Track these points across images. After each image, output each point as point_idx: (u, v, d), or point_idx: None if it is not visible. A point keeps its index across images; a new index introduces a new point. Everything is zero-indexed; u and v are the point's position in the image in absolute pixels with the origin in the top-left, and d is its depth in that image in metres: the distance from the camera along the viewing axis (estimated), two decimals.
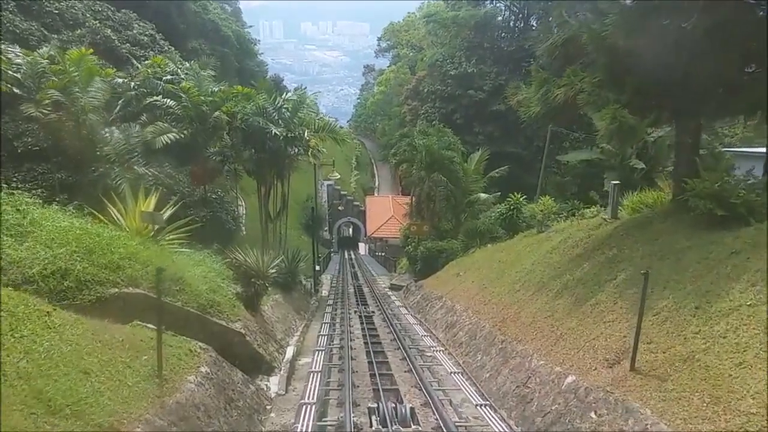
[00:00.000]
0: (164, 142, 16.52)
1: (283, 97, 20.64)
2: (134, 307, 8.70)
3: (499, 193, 27.82)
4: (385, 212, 56.26)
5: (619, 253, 10.11)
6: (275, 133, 18.32)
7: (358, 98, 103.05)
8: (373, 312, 17.74)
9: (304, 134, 19.45)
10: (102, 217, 12.83)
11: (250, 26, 57.56)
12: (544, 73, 10.64)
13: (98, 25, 24.52)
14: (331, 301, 21.15)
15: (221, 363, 8.83)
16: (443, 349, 13.15)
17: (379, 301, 20.79)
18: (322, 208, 57.07)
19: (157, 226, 13.58)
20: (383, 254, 48.51)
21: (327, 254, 45.85)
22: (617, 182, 13.80)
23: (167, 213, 13.95)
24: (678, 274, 8.08)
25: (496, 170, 28.36)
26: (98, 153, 17.09)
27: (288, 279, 18.93)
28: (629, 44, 8.87)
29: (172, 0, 36.85)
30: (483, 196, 26.29)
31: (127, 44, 25.27)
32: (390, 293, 24.22)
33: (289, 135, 19.25)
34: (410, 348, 12.61)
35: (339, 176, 27.02)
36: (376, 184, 74.39)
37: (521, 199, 26.95)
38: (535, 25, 41.15)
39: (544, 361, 8.76)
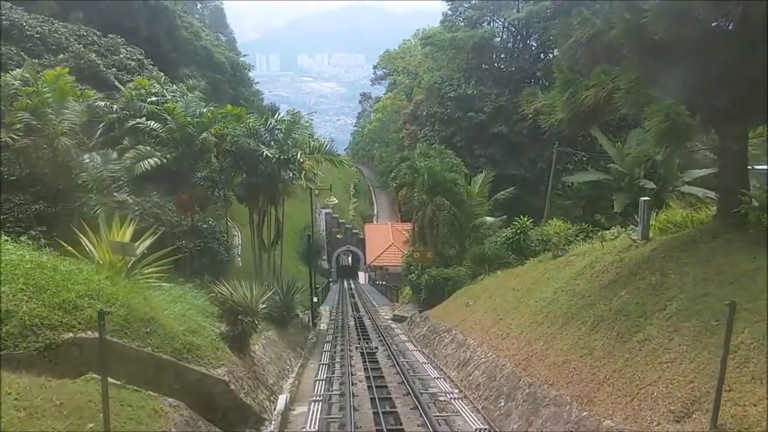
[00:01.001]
0: (146, 167, 15.21)
1: (275, 117, 19.48)
2: (93, 354, 7.22)
3: (506, 217, 26.51)
4: (385, 240, 54.90)
5: (664, 279, 8.67)
6: (267, 155, 17.06)
7: (355, 125, 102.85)
8: (376, 348, 16.14)
9: (297, 156, 18.16)
10: (73, 250, 11.48)
11: (245, 55, 57.12)
12: (569, 74, 9.36)
13: (82, 49, 23.52)
14: (330, 336, 19.56)
15: (196, 422, 7.30)
16: (459, 393, 11.56)
17: (382, 334, 19.20)
18: (320, 237, 55.71)
19: (132, 259, 12.21)
20: (383, 283, 46.93)
21: (326, 284, 44.25)
22: (647, 199, 12.45)
23: (145, 243, 12.58)
24: (749, 303, 6.65)
25: (502, 192, 27.09)
26: (76, 181, 15.77)
27: (282, 313, 17.40)
28: (671, 37, 7.66)
29: (163, 27, 36.19)
30: (489, 219, 24.96)
31: (114, 69, 24.24)
32: (393, 325, 22.62)
33: (282, 157, 17.98)
34: (421, 393, 11.03)
35: (336, 201, 25.70)
36: (375, 211, 73.28)
37: (528, 223, 25.77)
38: (534, 45, 40.69)
39: (588, 411, 7.24)
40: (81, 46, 23.72)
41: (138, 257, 12.17)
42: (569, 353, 9.04)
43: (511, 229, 26.72)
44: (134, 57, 26.48)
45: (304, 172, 18.68)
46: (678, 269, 8.70)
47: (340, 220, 60.90)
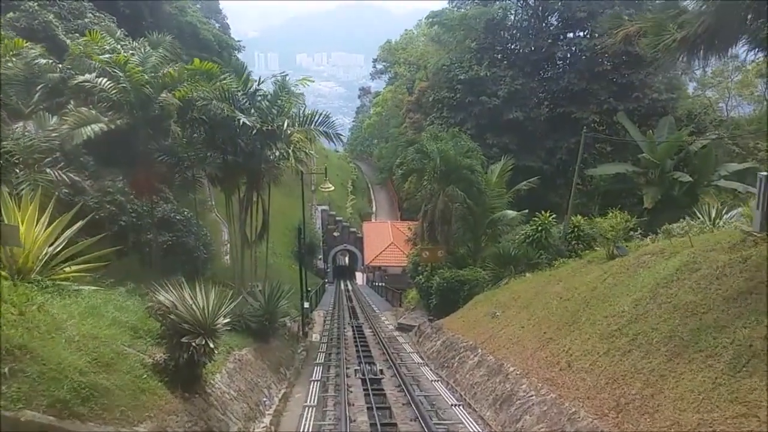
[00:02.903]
0: (88, 135, 11.71)
1: (258, 81, 15.96)
2: None
3: (527, 211, 23.13)
4: (384, 239, 51.50)
5: None
6: (245, 123, 13.55)
7: (353, 120, 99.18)
8: (381, 372, 12.49)
9: (284, 125, 14.57)
10: None
11: (239, 41, 53.60)
12: None
13: (37, 8, 19.99)
14: (323, 351, 16.01)
15: None
16: None
17: (387, 349, 15.68)
18: (316, 235, 52.18)
19: (47, 252, 8.79)
20: (383, 284, 43.50)
21: (321, 285, 40.72)
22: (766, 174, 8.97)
23: (65, 234, 9.11)
24: None
25: (524, 183, 23.69)
26: None
27: (264, 323, 13.94)
28: None
29: (146, 0, 32.69)
30: (510, 213, 21.51)
31: (76, 35, 20.63)
32: (398, 336, 19.11)
33: (264, 128, 14.46)
34: None
35: (332, 188, 22.28)
36: (374, 209, 69.76)
37: (550, 218, 22.66)
38: (554, 24, 37.13)
39: None
40: (36, 3, 20.16)
41: (52, 251, 8.72)
42: (707, 407, 5.58)
43: (531, 225, 23.57)
44: (103, 23, 22.90)
45: (292, 146, 15.06)
46: None
47: (337, 218, 57.33)
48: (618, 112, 30.25)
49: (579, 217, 24.14)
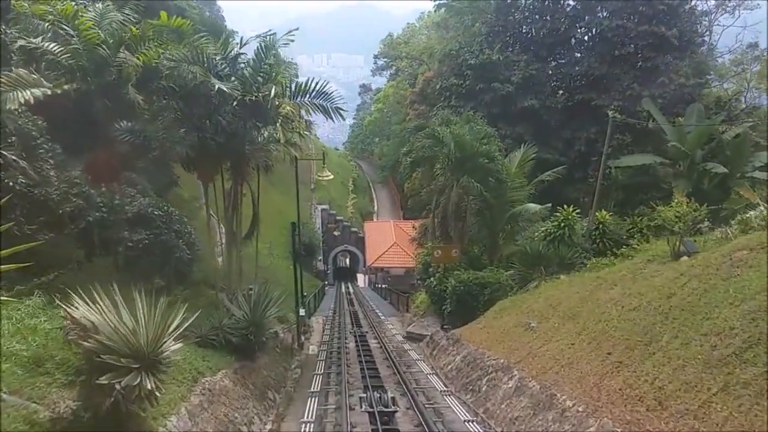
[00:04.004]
0: (23, 100, 9.26)
1: (240, 43, 13.38)
2: None
3: (550, 205, 20.70)
4: (387, 239, 49.24)
5: None
6: (220, 89, 11.01)
7: (354, 118, 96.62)
8: (394, 402, 9.74)
9: (270, 94, 11.96)
10: None
11: (236, 32, 51.06)
12: None
13: None
14: (320, 373, 13.33)
15: None
16: None
17: (397, 367, 13.11)
18: (315, 235, 49.72)
19: None
20: (385, 286, 41.11)
21: (321, 287, 38.23)
22: None
23: None
24: None
25: (548, 173, 21.24)
26: None
27: (248, 337, 11.48)
28: None
29: None
30: (532, 206, 19.04)
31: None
32: (408, 348, 16.58)
33: (247, 98, 11.94)
34: None
35: (331, 176, 19.87)
36: (375, 208, 67.51)
37: (573, 214, 20.35)
38: (571, 4, 34.45)
39: None
40: None
41: None
42: None
43: (553, 221, 21.16)
44: None
45: (280, 120, 12.43)
46: None
47: (338, 217, 54.93)
48: (642, 99, 27.81)
49: (604, 212, 21.85)
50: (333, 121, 12.95)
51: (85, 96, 10.53)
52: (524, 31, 35.70)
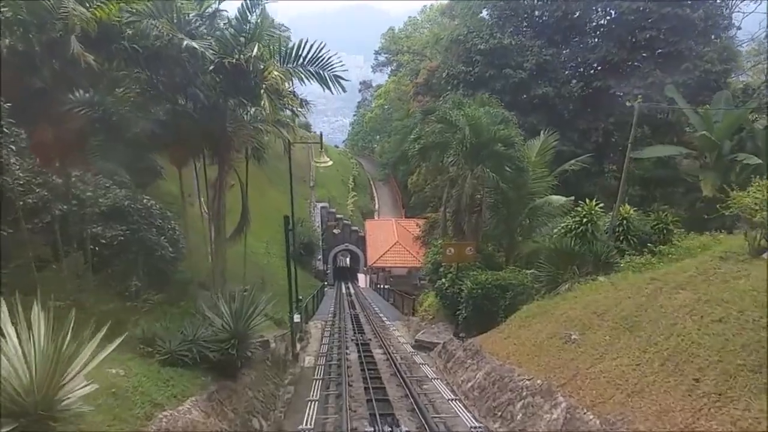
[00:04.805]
0: None
1: None
2: None
3: (573, 198, 18.75)
4: (389, 238, 47.39)
5: None
6: (190, 48, 8.98)
7: (354, 115, 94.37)
8: None
9: (253, 53, 9.83)
10: None
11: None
12: None
13: None
14: (315, 399, 10.98)
15: None
16: None
17: (408, 387, 10.98)
18: (315, 234, 47.77)
19: None
20: (388, 287, 39.14)
21: (320, 288, 36.24)
22: None
23: None
24: None
25: (572, 162, 19.32)
26: None
27: (229, 353, 9.49)
28: None
29: None
30: (556, 199, 17.08)
31: None
32: (420, 361, 14.50)
33: (226, 61, 9.91)
34: None
35: (330, 162, 17.87)
36: (377, 206, 65.72)
37: (597, 208, 18.38)
38: None
39: None
40: None
41: None
42: None
43: (574, 216, 19.21)
44: None
45: (265, 86, 10.28)
46: None
47: (338, 215, 52.98)
48: (666, 86, 25.82)
49: (627, 206, 19.99)
50: (332, 92, 10.89)
51: (28, 58, 8.55)
52: (536, 15, 33.55)
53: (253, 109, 11.33)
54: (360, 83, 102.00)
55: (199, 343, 9.30)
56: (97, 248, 14.27)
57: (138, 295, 12.12)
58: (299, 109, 13.16)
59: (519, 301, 13.78)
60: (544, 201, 17.13)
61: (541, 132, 19.46)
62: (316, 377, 12.29)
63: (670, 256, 12.84)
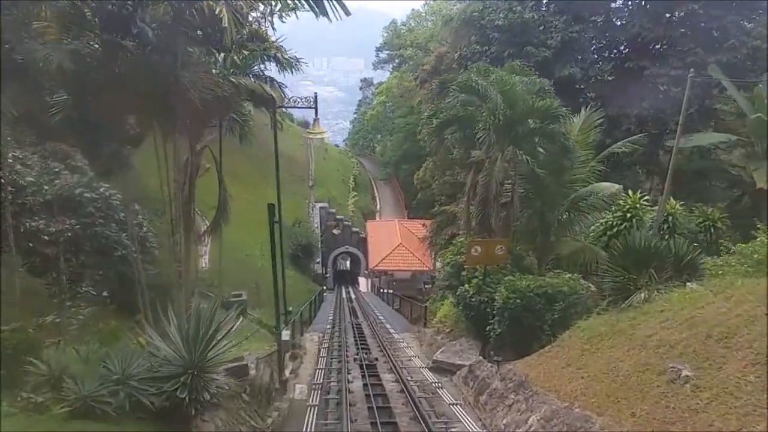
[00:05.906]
0: None
1: None
2: None
3: (621, 186, 15.87)
4: (392, 239, 44.56)
5: None
6: None
7: (354, 113, 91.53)
8: None
9: None
10: None
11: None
12: None
13: None
14: None
15: None
16: None
17: None
18: (313, 236, 44.81)
19: None
20: (391, 291, 36.27)
21: (318, 293, 33.19)
22: None
23: None
24: None
25: (622, 142, 16.45)
26: None
27: (177, 397, 6.42)
28: None
29: None
30: (605, 186, 14.12)
31: None
32: (441, 391, 11.36)
33: None
34: None
35: (327, 135, 14.91)
36: (378, 207, 63.09)
37: (641, 201, 15.91)
38: None
39: None
40: None
41: None
42: None
43: (615, 211, 16.58)
44: None
45: (232, 17, 7.16)
46: None
47: (338, 216, 50.03)
48: (709, 66, 22.87)
49: (673, 201, 17.21)
50: (329, 20, 7.94)
51: None
52: None
53: (222, 55, 8.41)
54: (361, 80, 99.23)
55: (130, 383, 6.24)
56: (35, 246, 11.44)
57: (62, 305, 9.06)
58: (284, 54, 10.12)
59: (571, 313, 10.73)
60: (589, 190, 14.09)
61: (582, 108, 16.41)
62: (308, 419, 9.18)
63: (755, 256, 9.92)
